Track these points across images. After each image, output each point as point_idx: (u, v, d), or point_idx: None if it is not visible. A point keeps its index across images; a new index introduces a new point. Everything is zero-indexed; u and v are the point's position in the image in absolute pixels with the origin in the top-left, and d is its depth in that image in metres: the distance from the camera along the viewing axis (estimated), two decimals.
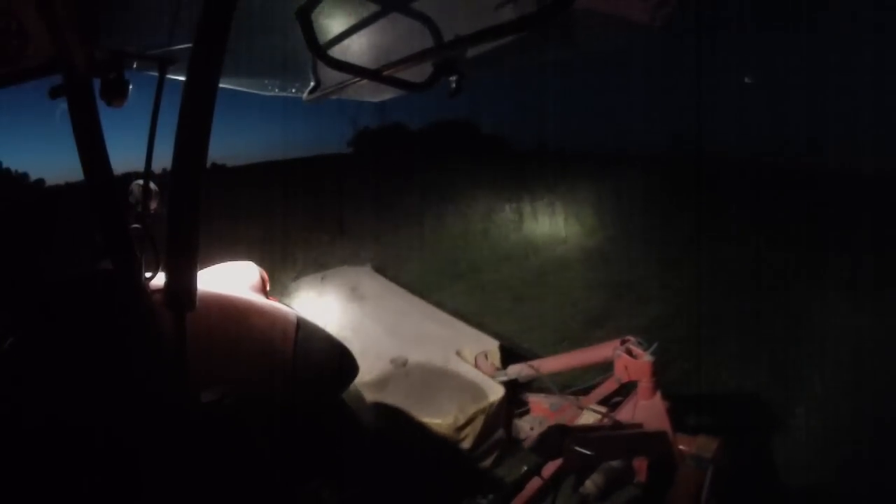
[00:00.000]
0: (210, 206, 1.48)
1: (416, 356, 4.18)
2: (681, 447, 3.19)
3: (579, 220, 10.66)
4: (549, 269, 8.76)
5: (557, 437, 2.90)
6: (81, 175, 1.81)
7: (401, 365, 4.08)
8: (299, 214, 11.16)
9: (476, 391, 3.72)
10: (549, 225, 10.87)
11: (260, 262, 2.82)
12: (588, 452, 2.83)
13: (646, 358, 3.27)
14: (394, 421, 3.55)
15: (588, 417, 3.57)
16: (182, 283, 1.37)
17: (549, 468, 3.09)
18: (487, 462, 3.65)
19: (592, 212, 10.74)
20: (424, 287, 7.30)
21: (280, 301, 2.66)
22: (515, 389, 3.97)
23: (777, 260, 7.52)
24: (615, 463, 3.17)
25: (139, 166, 2.17)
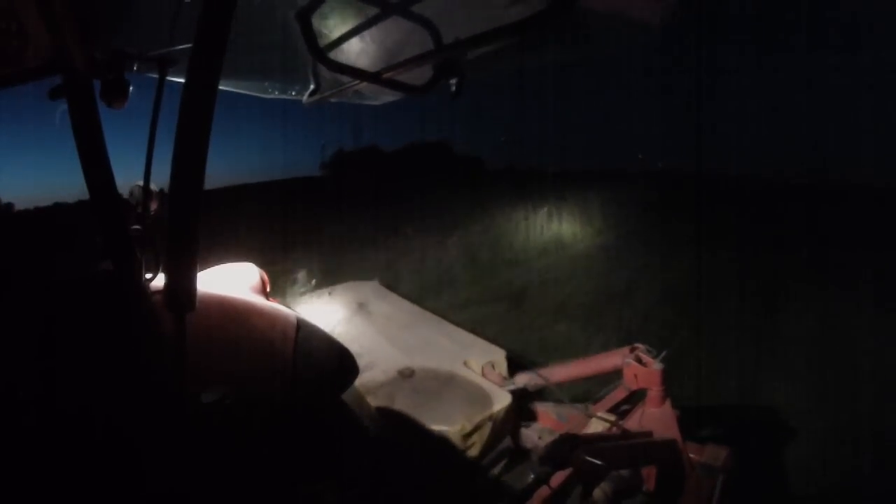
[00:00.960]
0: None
1: (423, 367, 4.16)
2: (690, 455, 3.14)
3: (590, 224, 12.80)
4: (577, 258, 10.90)
5: (567, 447, 2.86)
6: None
7: (408, 375, 4.06)
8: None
9: (483, 399, 3.69)
10: (567, 228, 13.00)
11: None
12: (598, 462, 2.79)
13: (655, 366, 3.23)
14: (400, 429, 3.53)
15: (596, 426, 3.53)
16: (182, 283, 1.36)
17: (558, 478, 3.04)
18: (494, 472, 3.61)
19: (600, 217, 12.86)
20: (493, 269, 10.52)
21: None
22: (523, 399, 3.94)
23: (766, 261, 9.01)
24: (624, 472, 3.12)
25: (139, 168, 2.17)
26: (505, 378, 4.10)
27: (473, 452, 3.47)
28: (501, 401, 3.66)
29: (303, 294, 6.28)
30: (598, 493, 3.04)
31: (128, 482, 1.62)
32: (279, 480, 1.84)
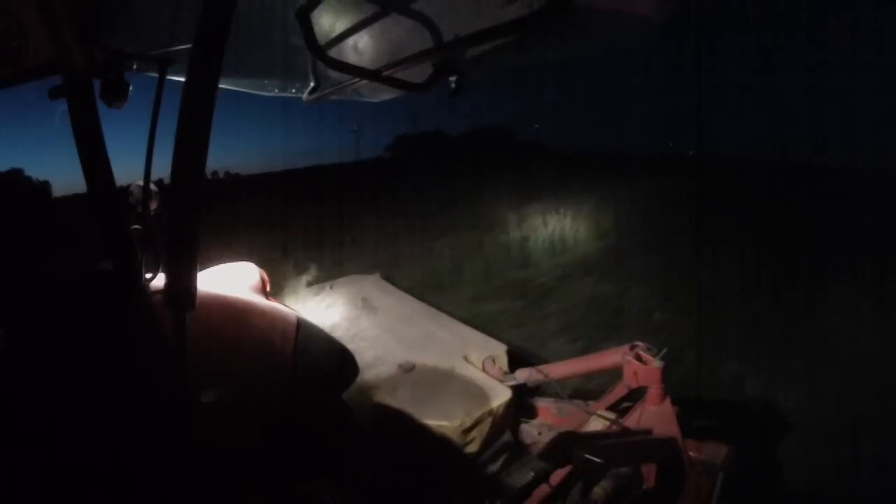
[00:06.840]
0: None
1: (423, 361, 4.14)
2: (690, 453, 3.14)
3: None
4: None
5: (566, 444, 2.86)
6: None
7: (408, 370, 4.05)
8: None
9: (482, 394, 3.68)
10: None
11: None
12: (597, 459, 2.79)
13: (655, 364, 3.22)
14: (399, 424, 3.53)
15: (596, 423, 3.53)
16: (182, 283, 1.36)
17: (557, 475, 3.04)
18: (494, 467, 3.61)
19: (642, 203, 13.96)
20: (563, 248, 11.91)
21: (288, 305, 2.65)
22: (523, 394, 3.93)
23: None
24: (624, 469, 3.12)
25: (139, 167, 2.16)
26: (505, 373, 4.09)
27: (473, 448, 3.47)
28: (501, 396, 3.64)
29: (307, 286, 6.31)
30: (597, 490, 3.04)
31: (128, 482, 1.63)
32: (279, 480, 1.85)
